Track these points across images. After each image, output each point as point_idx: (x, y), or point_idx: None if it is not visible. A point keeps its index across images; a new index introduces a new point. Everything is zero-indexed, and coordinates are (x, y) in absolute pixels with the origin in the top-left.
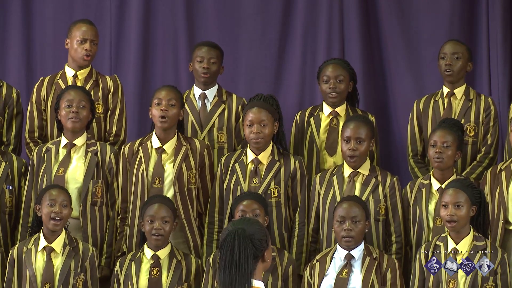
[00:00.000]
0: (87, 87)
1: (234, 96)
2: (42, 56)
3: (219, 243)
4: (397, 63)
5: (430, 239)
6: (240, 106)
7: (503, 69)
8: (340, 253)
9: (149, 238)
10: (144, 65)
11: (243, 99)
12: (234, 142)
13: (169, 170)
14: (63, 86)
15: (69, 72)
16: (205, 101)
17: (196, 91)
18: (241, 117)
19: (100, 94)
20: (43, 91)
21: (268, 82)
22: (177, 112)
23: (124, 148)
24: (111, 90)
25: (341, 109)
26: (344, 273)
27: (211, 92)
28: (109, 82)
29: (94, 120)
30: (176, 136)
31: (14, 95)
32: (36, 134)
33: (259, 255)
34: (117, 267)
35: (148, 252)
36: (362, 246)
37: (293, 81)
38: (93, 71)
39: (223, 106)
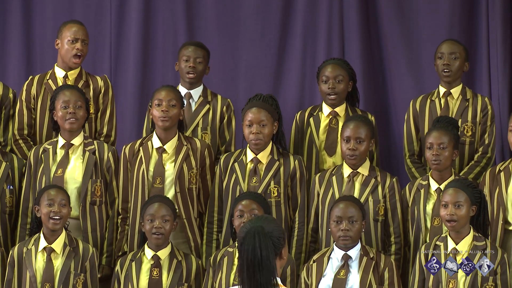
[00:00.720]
0: None
1: (219, 97)
2: (42, 56)
3: (237, 242)
4: (397, 63)
5: (428, 239)
6: (225, 107)
7: (503, 69)
8: (337, 254)
9: (150, 237)
10: (144, 65)
11: (228, 100)
12: (218, 143)
13: (170, 170)
14: (53, 87)
15: (59, 72)
16: (190, 100)
17: (182, 90)
18: (225, 118)
19: (91, 94)
20: (33, 90)
21: (268, 82)
22: (178, 112)
23: (124, 148)
24: (102, 91)
25: (340, 109)
26: (342, 274)
27: (197, 92)
28: (100, 83)
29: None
30: (176, 136)
31: (11, 95)
32: (25, 132)
33: (277, 253)
34: (117, 267)
35: (148, 252)
36: (358, 246)
37: (293, 81)
38: (82, 71)
39: (208, 106)
